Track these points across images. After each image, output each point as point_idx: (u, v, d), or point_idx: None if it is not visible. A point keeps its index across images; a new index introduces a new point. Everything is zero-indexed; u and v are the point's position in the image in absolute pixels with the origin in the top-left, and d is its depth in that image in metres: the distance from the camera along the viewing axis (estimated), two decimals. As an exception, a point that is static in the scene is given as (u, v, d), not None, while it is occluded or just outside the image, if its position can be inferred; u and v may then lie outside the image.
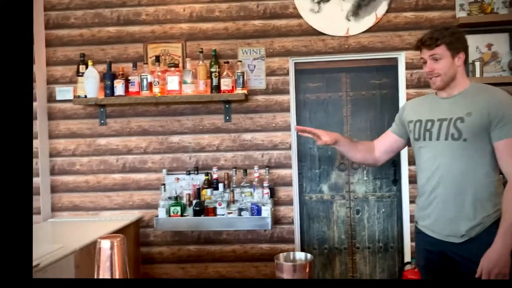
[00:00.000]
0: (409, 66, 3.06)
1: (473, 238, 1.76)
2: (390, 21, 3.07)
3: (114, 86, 3.03)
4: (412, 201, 2.98)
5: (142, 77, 3.01)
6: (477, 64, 2.96)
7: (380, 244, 3.19)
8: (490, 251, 1.67)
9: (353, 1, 3.06)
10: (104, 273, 1.19)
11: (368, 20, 3.06)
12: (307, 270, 1.41)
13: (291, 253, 1.50)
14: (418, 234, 1.97)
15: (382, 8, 3.05)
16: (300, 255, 1.51)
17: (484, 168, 1.77)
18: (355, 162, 2.13)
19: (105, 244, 1.21)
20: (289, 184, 3.14)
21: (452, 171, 1.78)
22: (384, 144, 2.07)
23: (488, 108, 1.73)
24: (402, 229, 3.15)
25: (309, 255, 1.51)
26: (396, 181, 3.16)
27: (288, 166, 3.14)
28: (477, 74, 2.96)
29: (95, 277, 1.20)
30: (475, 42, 3.04)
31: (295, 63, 3.18)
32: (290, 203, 3.13)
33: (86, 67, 3.03)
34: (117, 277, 1.19)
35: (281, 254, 1.47)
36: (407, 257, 3.11)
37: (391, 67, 3.16)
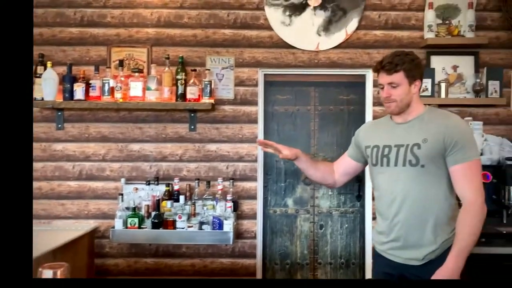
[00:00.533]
0: (376, 84, 3.04)
1: (432, 260, 1.78)
2: (360, 39, 3.07)
3: (74, 89, 2.89)
4: (374, 217, 2.98)
5: (104, 81, 2.88)
6: (443, 85, 3.01)
7: (342, 260, 3.17)
8: (442, 270, 1.70)
9: (324, 16, 3.05)
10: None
11: (339, 36, 3.05)
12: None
13: None
14: (377, 257, 1.96)
15: (353, 25, 3.05)
16: None
17: (443, 193, 1.80)
18: (314, 181, 2.15)
19: (47, 274, 1.11)
20: (254, 197, 3.07)
21: (412, 197, 1.79)
22: (342, 167, 2.10)
23: (443, 134, 1.75)
24: (364, 245, 3.15)
25: None
26: (360, 196, 3.16)
27: (254, 178, 3.07)
28: (442, 95, 3.01)
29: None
30: (441, 63, 3.09)
31: (264, 74, 3.13)
32: (253, 217, 3.07)
33: (45, 68, 2.88)
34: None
35: None
36: (368, 274, 3.10)
37: (359, 83, 3.16)
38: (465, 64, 3.09)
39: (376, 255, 1.97)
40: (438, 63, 3.08)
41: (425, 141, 1.77)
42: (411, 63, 1.82)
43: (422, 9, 3.06)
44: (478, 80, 3.01)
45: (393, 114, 1.89)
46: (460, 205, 1.81)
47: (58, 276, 1.12)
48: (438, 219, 1.78)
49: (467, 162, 1.74)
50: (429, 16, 3.01)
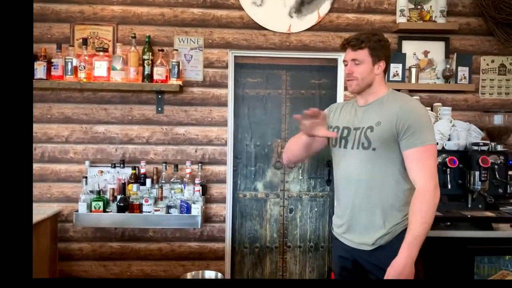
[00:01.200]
0: (348, 68, 3.04)
1: (383, 246, 1.77)
2: (332, 21, 3.02)
3: (35, 68, 2.76)
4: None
5: (66, 60, 2.76)
6: (413, 70, 3.00)
7: (311, 244, 3.18)
8: (396, 261, 1.67)
9: (297, -3, 2.99)
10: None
11: (311, 19, 3.00)
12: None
13: (200, 272, 1.40)
14: (334, 240, 1.97)
15: (325, 7, 3.00)
16: (210, 274, 1.41)
17: (394, 177, 1.77)
18: (291, 156, 1.99)
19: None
20: (223, 181, 3.03)
21: (363, 181, 1.78)
22: None
23: (396, 117, 1.73)
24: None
25: (219, 275, 1.41)
26: (330, 181, 3.15)
27: (223, 162, 3.03)
28: (413, 80, 3.01)
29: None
30: (412, 48, 3.08)
31: (235, 56, 3.06)
32: (222, 200, 3.03)
33: (3, 45, 2.73)
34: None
35: (189, 273, 1.36)
36: (337, 258, 3.11)
37: (331, 67, 3.13)
38: (436, 49, 3.09)
39: (333, 238, 1.97)
40: (409, 48, 3.07)
41: (378, 124, 1.75)
42: (377, 43, 1.79)
43: (395, -7, 3.03)
44: (448, 66, 3.02)
45: (353, 93, 1.86)
46: None
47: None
48: (388, 204, 1.76)
49: (421, 147, 1.70)
50: (401, 1, 2.99)
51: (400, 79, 2.99)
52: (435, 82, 3.08)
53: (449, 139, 2.72)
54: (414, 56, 3.08)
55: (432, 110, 2.94)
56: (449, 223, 2.44)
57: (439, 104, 2.99)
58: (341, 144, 1.86)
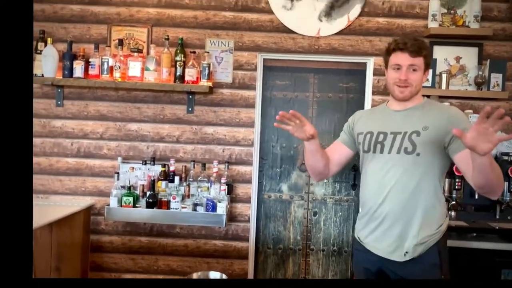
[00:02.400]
0: (376, 72, 3.03)
1: (415, 258, 1.73)
2: (362, 25, 3.02)
3: (74, 67, 2.90)
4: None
5: (103, 60, 2.89)
6: (444, 76, 2.96)
7: (334, 248, 3.19)
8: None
9: (327, 1, 3.00)
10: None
11: (340, 22, 3.01)
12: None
13: (205, 272, 1.44)
14: (358, 251, 1.91)
15: (355, 11, 3.01)
16: (215, 275, 1.46)
17: (434, 184, 1.74)
18: (310, 169, 1.91)
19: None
20: (249, 181, 3.09)
21: (402, 186, 1.73)
22: (336, 155, 1.96)
23: (446, 121, 1.70)
24: (357, 234, 3.15)
25: (224, 276, 1.46)
26: (355, 185, 3.15)
27: (249, 163, 3.09)
28: (443, 86, 2.97)
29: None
30: (444, 54, 3.04)
31: (264, 59, 3.11)
32: (247, 200, 3.09)
33: (45, 45, 2.89)
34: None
35: (194, 273, 1.42)
36: (360, 262, 3.11)
37: (360, 71, 3.13)
38: (469, 55, 3.04)
39: (356, 246, 1.91)
40: (441, 53, 3.03)
41: (425, 128, 1.72)
42: (428, 50, 1.79)
43: (428, -3, 3.00)
44: (480, 73, 2.96)
45: (404, 100, 1.79)
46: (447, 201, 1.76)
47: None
48: (426, 211, 1.72)
49: None
50: (434, 5, 2.95)
51: (430, 85, 2.95)
52: (466, 89, 3.02)
53: (479, 147, 2.67)
54: (445, 61, 3.04)
55: (462, 117, 2.90)
56: (475, 234, 2.40)
57: (470, 111, 2.93)
58: (375, 149, 1.80)
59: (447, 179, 2.48)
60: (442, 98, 2.96)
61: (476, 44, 3.03)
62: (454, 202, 2.47)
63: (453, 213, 2.50)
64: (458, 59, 3.05)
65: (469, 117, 2.84)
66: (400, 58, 1.74)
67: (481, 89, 2.98)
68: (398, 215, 1.74)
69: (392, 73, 1.77)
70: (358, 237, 1.91)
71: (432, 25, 2.96)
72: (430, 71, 2.94)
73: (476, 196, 2.46)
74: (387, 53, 1.80)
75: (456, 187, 2.44)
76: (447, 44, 3.03)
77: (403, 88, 1.75)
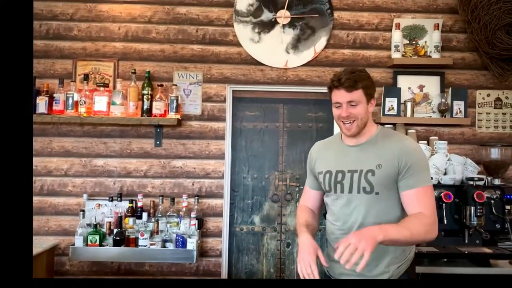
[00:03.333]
0: (344, 102, 3.08)
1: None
2: (328, 57, 3.09)
3: (37, 103, 2.84)
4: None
5: (67, 95, 2.84)
6: (409, 104, 3.03)
7: (309, 279, 3.13)
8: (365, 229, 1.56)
9: (293, 34, 3.07)
10: None
11: (307, 54, 3.07)
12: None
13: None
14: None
15: (321, 43, 3.07)
16: None
17: (399, 218, 1.72)
18: None
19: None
20: (219, 214, 3.03)
21: (367, 224, 1.69)
22: (317, 203, 1.93)
23: (397, 158, 1.68)
24: (331, 264, 3.11)
25: None
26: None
27: (220, 195, 3.04)
28: (408, 114, 3.03)
29: None
30: (408, 83, 3.12)
31: (233, 90, 3.12)
32: (219, 234, 3.02)
33: (7, 80, 2.82)
34: None
35: None
36: (335, 294, 3.06)
37: (327, 101, 3.12)
38: (431, 83, 3.13)
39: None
40: (405, 82, 3.11)
41: (379, 167, 1.69)
42: (368, 80, 1.71)
43: (390, 29, 3.10)
44: (443, 100, 3.04)
45: (352, 136, 1.74)
46: None
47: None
48: (395, 249, 1.71)
49: (422, 187, 1.65)
50: (396, 37, 3.05)
51: (396, 113, 3.01)
52: (430, 116, 3.10)
53: (445, 173, 2.72)
54: (409, 90, 3.12)
55: (428, 144, 2.96)
56: (445, 260, 2.41)
57: (435, 138, 3.00)
58: (336, 189, 1.76)
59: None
60: (408, 125, 3.03)
61: (438, 73, 3.13)
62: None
63: (423, 240, 2.50)
64: (421, 87, 3.14)
65: (435, 144, 2.90)
66: (338, 95, 1.70)
67: (445, 116, 3.06)
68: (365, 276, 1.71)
69: (335, 111, 1.74)
70: (327, 271, 1.86)
71: (395, 55, 3.05)
72: (395, 99, 3.01)
73: (445, 221, 2.48)
74: (329, 90, 1.76)
75: (425, 214, 2.45)
76: (411, 73, 3.12)
77: (349, 125, 1.71)
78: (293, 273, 3.12)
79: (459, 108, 3.04)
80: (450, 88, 3.08)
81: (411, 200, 1.67)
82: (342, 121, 1.72)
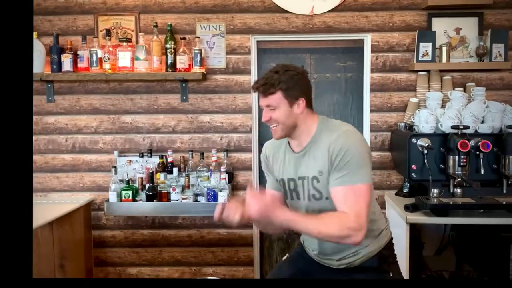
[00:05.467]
0: (374, 49, 2.94)
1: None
2: (357, 1, 2.91)
3: (62, 60, 2.82)
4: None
5: (91, 52, 2.80)
6: (444, 49, 2.86)
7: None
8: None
9: (320, -23, 2.89)
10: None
11: (335, -2, 2.90)
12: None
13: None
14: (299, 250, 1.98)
15: (350, -15, 2.89)
16: None
17: None
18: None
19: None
20: (249, 168, 3.04)
21: None
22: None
23: (327, 152, 1.58)
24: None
25: None
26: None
27: (248, 149, 3.03)
28: (443, 60, 2.87)
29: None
30: (443, 26, 2.93)
31: (257, 41, 3.01)
32: (249, 187, 3.04)
33: (31, 39, 2.80)
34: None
35: None
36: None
37: (357, 49, 3.03)
38: (469, 26, 2.93)
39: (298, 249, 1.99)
40: (440, 25, 2.92)
41: (320, 173, 1.60)
42: (290, 81, 1.58)
43: (424, -33, 2.88)
44: (481, 43, 2.86)
45: (280, 139, 1.68)
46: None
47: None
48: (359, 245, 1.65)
49: (351, 185, 1.53)
50: (431, -25, 2.83)
51: (430, 59, 2.86)
52: (467, 61, 2.93)
53: (482, 122, 2.61)
54: (444, 33, 2.93)
55: (464, 90, 2.82)
56: (482, 210, 2.36)
57: (472, 84, 2.86)
58: (292, 196, 1.72)
59: (451, 156, 2.42)
60: (443, 71, 2.88)
61: (476, 13, 2.92)
62: (459, 179, 2.41)
63: (458, 190, 2.45)
64: (458, 30, 2.95)
65: (472, 90, 2.77)
66: (259, 99, 1.66)
67: (483, 61, 2.88)
68: (329, 254, 1.74)
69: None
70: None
71: (430, -4, 2.84)
72: (429, 44, 2.84)
73: (482, 171, 2.40)
74: None
75: (461, 163, 2.37)
76: (446, 15, 2.92)
77: (274, 128, 1.65)
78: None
79: (499, 52, 2.86)
80: (490, 30, 2.88)
81: (336, 199, 1.57)
82: (268, 125, 1.68)
